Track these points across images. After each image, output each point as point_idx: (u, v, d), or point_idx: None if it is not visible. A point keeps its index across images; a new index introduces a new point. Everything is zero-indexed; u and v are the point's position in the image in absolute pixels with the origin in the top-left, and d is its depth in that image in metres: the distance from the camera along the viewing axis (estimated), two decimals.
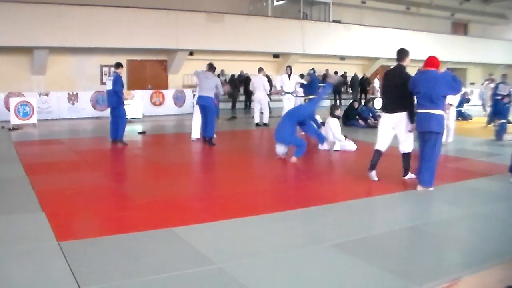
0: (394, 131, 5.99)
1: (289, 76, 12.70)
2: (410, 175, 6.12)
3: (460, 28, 28.31)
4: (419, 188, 5.56)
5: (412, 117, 5.76)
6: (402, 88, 5.72)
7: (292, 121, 7.51)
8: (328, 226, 4.28)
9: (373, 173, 6.11)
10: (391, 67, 6.26)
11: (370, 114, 12.78)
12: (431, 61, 5.68)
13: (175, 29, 17.07)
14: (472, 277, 3.24)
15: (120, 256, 3.47)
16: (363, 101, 16.10)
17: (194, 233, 3.96)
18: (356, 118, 12.46)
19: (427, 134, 5.50)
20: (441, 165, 6.74)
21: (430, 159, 5.51)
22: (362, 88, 21.96)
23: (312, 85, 12.35)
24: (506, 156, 8.12)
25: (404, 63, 6.03)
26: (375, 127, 12.36)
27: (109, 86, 9.44)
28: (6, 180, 5.94)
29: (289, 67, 13.06)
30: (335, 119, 8.65)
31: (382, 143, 6.09)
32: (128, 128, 10.33)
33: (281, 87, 12.77)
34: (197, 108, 9.61)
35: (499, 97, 11.76)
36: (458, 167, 6.91)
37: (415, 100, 5.74)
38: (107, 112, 14.24)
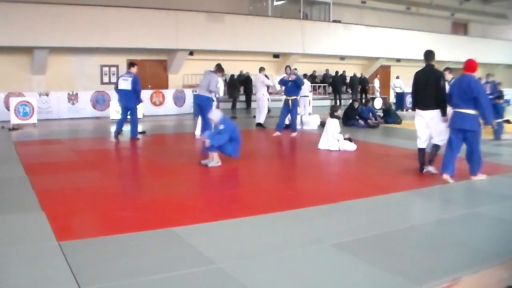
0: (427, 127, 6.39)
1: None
2: (428, 168, 6.38)
3: (460, 28, 28.32)
4: (474, 178, 6.05)
5: (444, 112, 6.22)
6: (436, 85, 6.15)
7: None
8: (328, 226, 4.28)
9: (431, 168, 6.37)
10: (422, 68, 6.47)
11: (370, 114, 12.78)
12: (469, 66, 6.03)
13: (175, 29, 17.07)
14: (472, 277, 3.24)
15: (120, 256, 3.47)
16: (363, 101, 16.10)
17: (194, 233, 3.96)
18: (356, 118, 12.46)
19: (461, 132, 5.93)
20: (440, 165, 6.75)
21: (475, 153, 5.98)
22: (362, 88, 21.97)
23: (294, 85, 11.72)
24: (506, 156, 8.15)
25: (433, 63, 6.42)
26: (375, 127, 12.46)
27: (125, 86, 9.50)
28: (6, 180, 5.94)
29: (288, 67, 13.02)
30: (335, 119, 8.65)
31: (423, 140, 6.45)
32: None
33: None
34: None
35: (490, 97, 11.79)
36: (458, 167, 6.88)
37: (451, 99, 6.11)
38: (107, 112, 14.33)
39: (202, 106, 9.19)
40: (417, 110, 6.47)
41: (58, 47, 15.35)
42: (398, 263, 3.40)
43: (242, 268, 3.27)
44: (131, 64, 9.95)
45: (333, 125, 8.52)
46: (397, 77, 21.36)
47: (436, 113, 6.21)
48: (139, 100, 9.75)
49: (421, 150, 6.50)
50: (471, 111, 5.82)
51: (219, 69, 9.51)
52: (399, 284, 3.08)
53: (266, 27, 19.14)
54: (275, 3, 21.44)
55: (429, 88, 6.18)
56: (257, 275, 3.19)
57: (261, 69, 13.00)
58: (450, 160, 5.97)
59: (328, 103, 20.38)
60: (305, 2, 21.51)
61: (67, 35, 15.01)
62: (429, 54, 6.41)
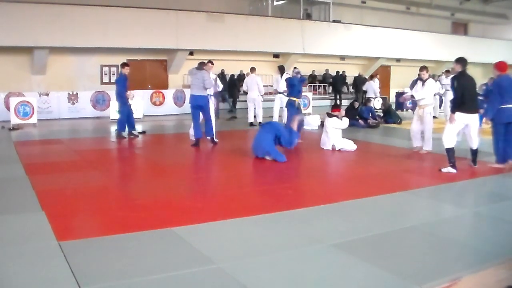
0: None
1: (281, 76, 12.77)
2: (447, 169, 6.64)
3: (460, 28, 28.30)
4: None
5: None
6: (475, 91, 6.98)
7: (271, 134, 7.55)
8: (328, 225, 4.28)
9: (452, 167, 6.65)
10: (464, 72, 6.68)
11: (370, 114, 12.79)
12: (500, 66, 7.19)
13: (175, 29, 17.07)
14: (472, 277, 3.24)
15: (120, 256, 3.47)
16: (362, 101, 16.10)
17: (194, 233, 3.96)
18: (356, 118, 12.46)
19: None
20: (440, 165, 6.75)
21: None
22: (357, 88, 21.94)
23: (294, 85, 11.63)
24: None
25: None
26: (375, 126, 12.47)
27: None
28: (6, 180, 5.94)
29: (281, 67, 13.09)
30: (334, 118, 8.65)
31: (453, 140, 6.73)
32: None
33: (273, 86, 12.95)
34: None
35: None
36: (457, 167, 6.90)
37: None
38: (107, 112, 14.34)
39: (203, 106, 9.08)
40: (462, 114, 6.54)
41: (58, 47, 15.34)
42: (398, 263, 3.40)
43: (242, 268, 3.27)
44: (122, 64, 10.41)
45: (332, 123, 8.53)
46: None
47: (477, 116, 6.74)
48: (120, 99, 10.26)
49: (452, 149, 6.67)
50: None
51: (204, 64, 9.26)
52: (399, 284, 3.08)
53: (266, 27, 19.13)
54: (275, 3, 21.44)
55: (474, 93, 6.78)
56: (257, 275, 3.19)
57: (253, 69, 13.08)
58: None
59: (328, 103, 20.39)
60: (305, 2, 21.51)
61: (67, 35, 15.01)
62: (465, 61, 6.74)
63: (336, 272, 3.27)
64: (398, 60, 24.08)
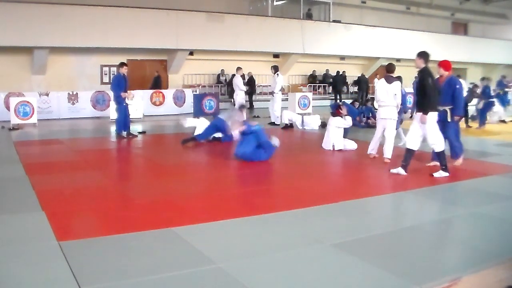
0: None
1: (276, 75, 12.90)
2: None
3: (460, 28, 28.31)
4: None
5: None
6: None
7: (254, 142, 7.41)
8: (328, 226, 4.28)
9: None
10: (428, 67, 6.29)
11: (370, 114, 12.77)
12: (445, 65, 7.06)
13: (175, 29, 17.08)
14: (472, 277, 3.23)
15: (120, 256, 3.47)
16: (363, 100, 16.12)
17: (194, 233, 3.96)
18: (356, 118, 12.44)
19: None
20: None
21: None
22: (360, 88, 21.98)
23: None
24: (506, 156, 8.14)
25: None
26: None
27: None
28: (6, 180, 5.94)
29: (273, 67, 13.15)
30: (338, 117, 8.64)
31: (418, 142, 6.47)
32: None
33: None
34: None
35: None
36: (458, 167, 6.90)
37: None
38: (107, 112, 14.33)
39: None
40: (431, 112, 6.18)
41: (58, 47, 15.35)
42: (398, 263, 3.40)
43: (242, 268, 3.27)
44: (120, 64, 10.51)
45: (336, 122, 8.55)
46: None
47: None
48: (116, 99, 10.40)
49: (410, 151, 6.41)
50: None
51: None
52: (399, 284, 3.08)
53: (266, 27, 19.14)
54: (275, 3, 21.44)
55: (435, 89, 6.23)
56: (257, 275, 3.19)
57: (238, 69, 13.16)
58: None
59: (328, 103, 20.39)
60: (305, 2, 21.51)
61: (67, 35, 15.02)
62: (427, 55, 6.31)
63: (336, 272, 3.27)
64: (398, 60, 24.04)
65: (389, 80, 7.27)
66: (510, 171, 6.74)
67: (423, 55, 6.24)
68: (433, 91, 6.08)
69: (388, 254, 3.59)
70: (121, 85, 10.17)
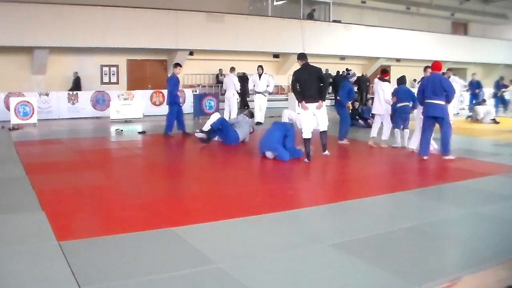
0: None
1: (260, 76, 12.99)
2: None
3: (460, 28, 28.31)
4: None
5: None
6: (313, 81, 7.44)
7: (281, 132, 7.60)
8: (327, 225, 4.28)
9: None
10: (306, 64, 7.46)
11: (370, 114, 12.77)
12: (435, 66, 7.51)
13: (175, 29, 17.07)
14: (472, 277, 3.23)
15: (120, 256, 3.47)
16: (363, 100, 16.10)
17: (194, 233, 3.96)
18: (356, 118, 12.46)
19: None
20: (440, 165, 6.76)
21: None
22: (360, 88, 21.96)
23: None
24: (506, 156, 8.14)
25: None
26: None
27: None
28: (6, 180, 5.94)
29: (260, 66, 13.19)
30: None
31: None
32: (129, 127, 10.37)
33: (253, 86, 13.13)
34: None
35: None
36: (458, 167, 6.91)
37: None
38: (107, 112, 14.34)
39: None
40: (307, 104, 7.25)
41: (58, 47, 15.35)
42: (398, 263, 3.40)
43: (242, 268, 3.27)
44: (174, 64, 10.96)
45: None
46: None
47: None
48: (171, 98, 10.81)
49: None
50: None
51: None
52: (399, 284, 3.08)
53: (266, 27, 19.13)
54: (275, 3, 21.43)
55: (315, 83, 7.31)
56: (257, 275, 3.19)
57: (232, 69, 13.23)
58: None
59: (328, 103, 20.35)
60: (305, 2, 21.50)
61: (67, 35, 15.02)
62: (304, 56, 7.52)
63: (335, 272, 3.27)
64: (398, 60, 24.09)
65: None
66: (509, 171, 6.74)
67: (300, 57, 7.56)
68: (299, 84, 7.36)
69: (388, 254, 3.59)
70: (177, 85, 10.43)
